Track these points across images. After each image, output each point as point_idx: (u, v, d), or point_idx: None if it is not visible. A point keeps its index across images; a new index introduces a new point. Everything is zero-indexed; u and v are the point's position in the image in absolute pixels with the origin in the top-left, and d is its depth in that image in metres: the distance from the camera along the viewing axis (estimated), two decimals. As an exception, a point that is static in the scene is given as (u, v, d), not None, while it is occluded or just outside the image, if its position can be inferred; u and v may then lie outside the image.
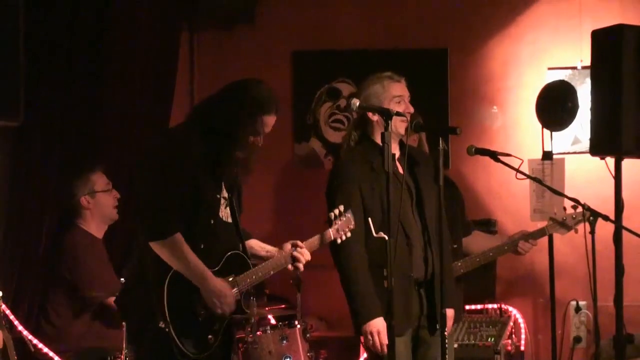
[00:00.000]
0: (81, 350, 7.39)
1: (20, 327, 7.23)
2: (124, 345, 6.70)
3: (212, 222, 6.06)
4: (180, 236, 5.84)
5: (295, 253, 6.26)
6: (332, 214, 6.47)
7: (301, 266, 6.31)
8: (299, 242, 6.29)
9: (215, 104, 6.09)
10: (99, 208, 7.61)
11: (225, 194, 6.19)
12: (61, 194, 7.91)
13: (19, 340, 7.15)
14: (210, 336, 5.91)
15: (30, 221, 7.61)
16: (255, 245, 6.47)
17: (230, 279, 5.99)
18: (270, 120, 6.08)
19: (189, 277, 5.87)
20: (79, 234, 7.72)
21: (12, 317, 7.04)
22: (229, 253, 6.07)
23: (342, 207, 6.48)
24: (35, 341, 7.37)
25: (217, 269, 5.93)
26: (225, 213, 6.21)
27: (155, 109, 8.59)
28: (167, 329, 5.74)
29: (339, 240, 6.48)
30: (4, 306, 6.53)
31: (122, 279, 6.87)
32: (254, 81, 6.22)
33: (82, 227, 7.65)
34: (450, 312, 6.99)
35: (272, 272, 6.36)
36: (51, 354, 7.43)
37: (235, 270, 6.06)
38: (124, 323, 6.53)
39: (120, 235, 8.02)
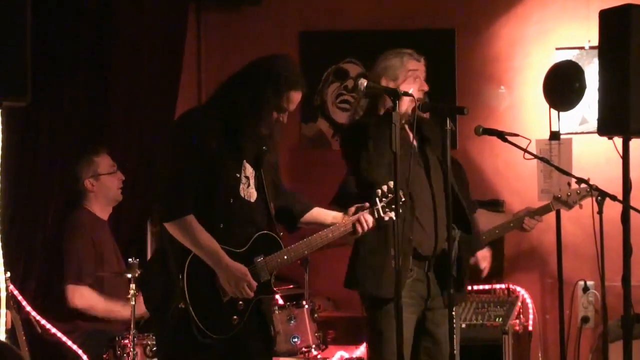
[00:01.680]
0: (89, 330, 7.41)
1: (28, 308, 7.15)
2: (132, 326, 6.65)
3: (231, 201, 6.00)
4: (193, 218, 5.86)
5: (361, 217, 6.19)
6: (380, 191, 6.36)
7: (360, 231, 6.24)
8: (366, 205, 6.25)
9: (241, 79, 6.03)
10: (103, 190, 7.72)
11: (248, 172, 6.12)
12: (67, 176, 7.95)
13: (27, 321, 7.06)
14: (235, 317, 5.87)
15: (38, 201, 7.74)
16: (319, 214, 6.45)
17: (259, 260, 5.96)
18: (296, 97, 5.98)
19: (204, 259, 5.88)
20: (84, 214, 7.80)
21: (20, 297, 6.99)
22: (258, 234, 6.05)
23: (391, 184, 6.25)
24: (43, 322, 7.27)
25: (244, 249, 5.94)
26: (247, 192, 6.14)
27: (163, 89, 8.62)
28: (187, 310, 5.76)
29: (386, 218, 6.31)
30: (11, 287, 6.47)
31: (130, 259, 6.81)
32: (281, 56, 6.22)
33: (87, 208, 7.73)
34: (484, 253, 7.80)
35: (330, 237, 6.27)
36: (59, 334, 7.36)
37: (265, 250, 6.04)
38: (132, 303, 6.58)
39: (128, 216, 8.07)
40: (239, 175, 6.05)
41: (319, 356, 8.01)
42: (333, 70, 8.81)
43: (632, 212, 7.11)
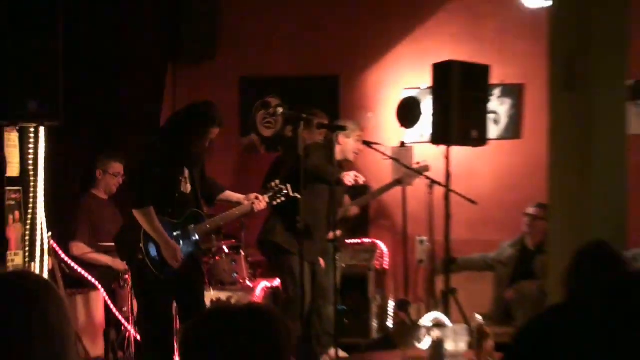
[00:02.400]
0: (102, 269, 7.56)
1: (62, 255, 7.18)
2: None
3: (176, 195, 6.40)
4: (152, 209, 6.22)
5: (255, 203, 6.62)
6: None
7: (257, 210, 6.68)
8: (259, 196, 6.64)
9: (178, 118, 6.56)
10: (104, 183, 7.91)
11: (186, 174, 6.46)
12: (84, 167, 8.15)
13: (60, 264, 7.16)
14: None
15: (66, 191, 7.88)
16: (228, 195, 6.86)
17: (191, 227, 6.46)
18: (215, 131, 6.42)
19: (153, 236, 6.26)
20: (88, 198, 8.02)
21: (57, 248, 6.99)
22: (190, 211, 6.49)
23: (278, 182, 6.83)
24: (72, 264, 7.35)
25: (181, 220, 6.42)
26: (185, 187, 6.48)
27: (149, 124, 8.74)
28: (144, 260, 6.23)
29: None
30: (52, 242, 6.59)
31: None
32: (207, 103, 6.59)
33: (93, 192, 7.96)
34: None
35: (237, 214, 6.81)
36: (82, 271, 7.43)
37: (194, 221, 6.52)
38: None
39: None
40: (180, 178, 6.43)
41: (251, 285, 8.11)
42: (260, 102, 9.08)
43: (451, 193, 7.49)
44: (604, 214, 5.85)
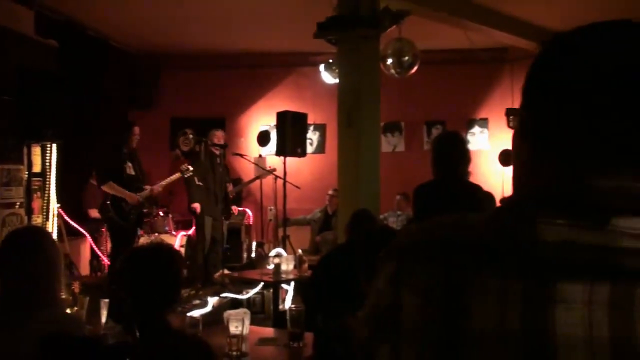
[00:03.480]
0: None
1: (66, 218, 6.93)
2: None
3: (125, 174, 6.37)
4: (112, 182, 6.26)
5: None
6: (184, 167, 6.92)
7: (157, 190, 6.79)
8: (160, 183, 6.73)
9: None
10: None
11: (129, 164, 6.48)
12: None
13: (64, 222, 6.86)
14: (131, 216, 6.39)
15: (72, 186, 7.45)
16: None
17: (138, 194, 6.44)
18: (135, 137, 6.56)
19: (119, 195, 6.27)
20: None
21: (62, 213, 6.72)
22: (137, 184, 6.44)
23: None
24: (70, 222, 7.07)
25: (133, 190, 6.37)
26: (131, 171, 6.49)
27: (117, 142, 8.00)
28: (111, 214, 6.26)
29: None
30: (59, 209, 6.36)
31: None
32: (132, 122, 6.84)
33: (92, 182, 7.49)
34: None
35: (163, 184, 6.86)
36: (77, 227, 7.19)
37: (137, 191, 6.48)
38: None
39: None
40: (124, 166, 6.44)
41: (175, 234, 7.77)
42: (181, 132, 8.93)
43: (287, 182, 7.17)
44: (366, 195, 5.87)
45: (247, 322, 3.15)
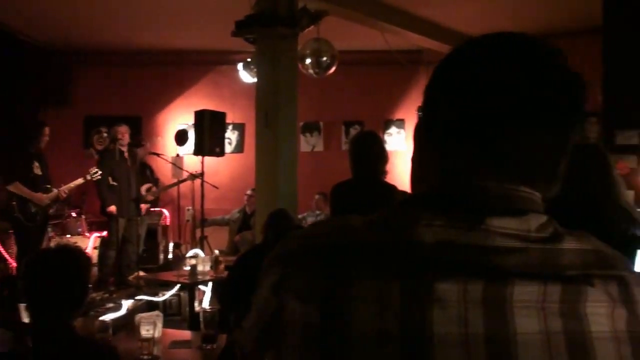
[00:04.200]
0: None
1: None
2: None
3: (31, 175, 6.24)
4: (19, 183, 6.10)
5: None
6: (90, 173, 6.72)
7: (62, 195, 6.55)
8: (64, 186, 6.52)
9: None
10: None
11: (37, 165, 6.32)
12: None
13: None
14: (38, 217, 6.22)
15: None
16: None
17: (45, 195, 6.30)
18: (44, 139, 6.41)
19: (25, 195, 6.11)
20: None
21: None
22: (44, 185, 6.30)
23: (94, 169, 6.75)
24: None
25: (41, 191, 6.24)
26: (38, 171, 6.33)
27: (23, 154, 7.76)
28: (16, 214, 6.09)
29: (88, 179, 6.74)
30: None
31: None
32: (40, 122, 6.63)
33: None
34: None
35: (72, 186, 6.61)
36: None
37: (44, 192, 6.32)
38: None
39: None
40: (32, 166, 6.29)
41: (88, 235, 7.60)
42: (96, 130, 8.70)
43: (206, 184, 7.09)
44: (284, 195, 5.89)
45: (159, 325, 3.07)
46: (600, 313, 0.73)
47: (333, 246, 0.75)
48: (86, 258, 2.25)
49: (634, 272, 0.79)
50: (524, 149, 0.77)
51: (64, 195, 6.65)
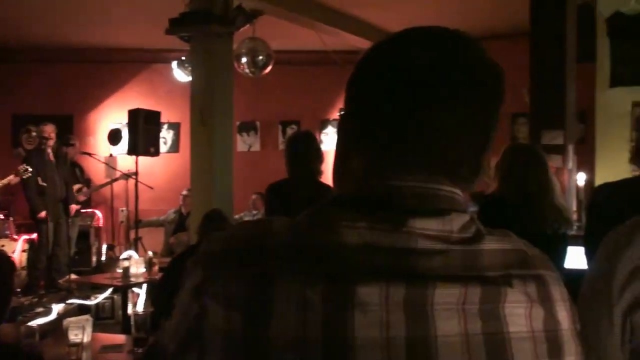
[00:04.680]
0: None
1: None
2: None
3: None
4: None
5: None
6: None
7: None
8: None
9: None
10: None
11: None
12: None
13: None
14: None
15: None
16: None
17: None
18: None
19: None
20: None
21: None
22: None
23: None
24: None
25: None
26: None
27: None
28: None
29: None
30: None
31: None
32: None
33: None
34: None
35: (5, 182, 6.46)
36: None
37: None
38: None
39: None
40: None
41: (17, 237, 7.29)
42: (25, 129, 8.30)
43: (140, 184, 7.00)
44: (220, 195, 5.87)
45: (88, 329, 2.98)
46: (519, 313, 0.74)
47: (254, 249, 0.74)
48: (9, 262, 2.18)
49: (554, 271, 0.80)
50: (445, 143, 0.77)
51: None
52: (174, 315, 0.80)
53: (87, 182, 8.15)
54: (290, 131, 9.28)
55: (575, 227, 3.09)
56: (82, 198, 7.78)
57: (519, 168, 2.95)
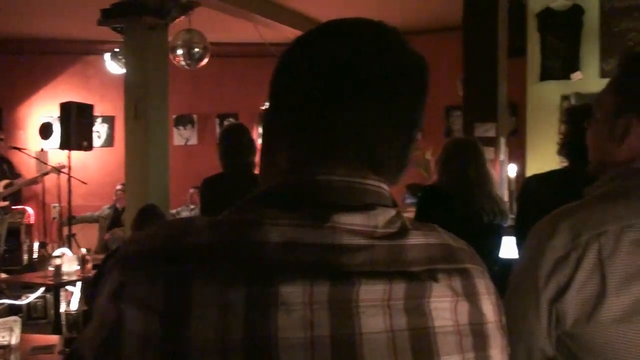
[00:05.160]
0: None
1: None
2: None
3: None
4: None
5: None
6: None
7: None
8: None
9: None
10: None
11: None
12: None
13: None
14: None
15: None
16: None
17: None
18: None
19: None
20: None
21: None
22: None
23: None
24: None
25: None
26: None
27: None
28: None
29: None
30: None
31: None
32: None
33: None
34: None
35: None
36: None
37: None
38: None
39: None
40: None
41: None
42: None
43: (73, 180, 6.80)
44: (156, 189, 5.79)
45: (17, 330, 2.88)
46: (444, 308, 0.73)
47: (174, 249, 0.71)
48: None
49: (480, 265, 0.80)
50: (370, 136, 0.76)
51: None
52: (91, 323, 0.77)
53: (18, 177, 7.87)
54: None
55: (509, 219, 3.17)
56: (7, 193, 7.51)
57: (458, 161, 3.02)
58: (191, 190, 8.36)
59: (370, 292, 0.70)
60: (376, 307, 0.70)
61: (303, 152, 0.77)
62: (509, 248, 3.21)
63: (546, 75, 5.94)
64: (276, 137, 0.81)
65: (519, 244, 2.63)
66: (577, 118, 2.47)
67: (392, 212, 0.77)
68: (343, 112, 0.75)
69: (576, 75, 5.81)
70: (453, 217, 2.66)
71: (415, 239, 0.75)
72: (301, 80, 0.78)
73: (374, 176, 0.77)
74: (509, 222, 3.19)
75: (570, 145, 2.51)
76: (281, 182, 0.77)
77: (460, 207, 2.89)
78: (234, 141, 3.60)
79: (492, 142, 5.11)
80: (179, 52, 6.50)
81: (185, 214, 8.05)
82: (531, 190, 2.72)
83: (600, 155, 1.24)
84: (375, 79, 0.75)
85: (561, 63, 5.87)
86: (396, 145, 0.78)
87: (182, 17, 5.98)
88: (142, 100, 5.80)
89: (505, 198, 5.21)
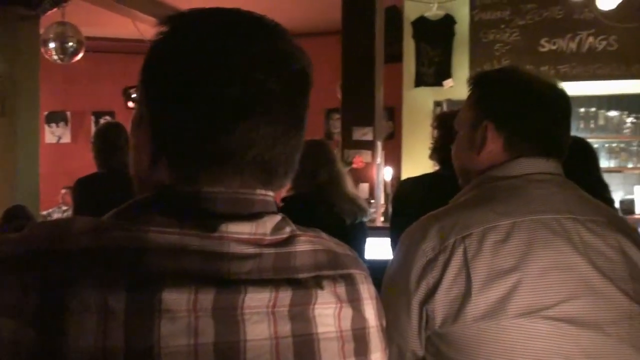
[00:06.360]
0: None
1: None
2: None
3: None
4: None
5: None
6: None
7: None
8: None
9: None
10: None
11: None
12: None
13: None
14: None
15: None
16: None
17: None
18: None
19: None
20: None
21: None
22: None
23: None
24: None
25: None
26: None
27: None
28: None
29: None
30: None
31: None
32: None
33: None
34: None
35: None
36: None
37: None
38: None
39: None
40: None
41: None
42: None
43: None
44: (24, 190, 5.49)
45: None
46: (328, 314, 0.74)
47: (49, 253, 0.67)
48: None
49: (363, 269, 0.82)
50: (258, 146, 0.72)
51: None
52: None
53: None
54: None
55: (370, 214, 3.23)
56: None
57: (308, 163, 3.00)
58: (63, 191, 8.00)
59: (255, 300, 0.70)
60: (261, 314, 0.70)
61: (187, 166, 0.73)
62: (377, 248, 3.29)
63: (420, 81, 6.19)
64: (155, 145, 0.75)
65: (392, 246, 2.69)
66: (447, 124, 2.47)
67: (278, 217, 0.76)
68: (227, 125, 0.71)
69: (447, 83, 6.09)
70: (313, 221, 2.60)
71: (302, 246, 0.76)
72: (175, 89, 0.73)
73: (262, 188, 0.76)
74: (370, 216, 3.23)
75: (440, 150, 2.58)
76: (166, 191, 0.74)
77: (318, 210, 2.88)
78: (109, 140, 3.45)
79: (370, 145, 5.24)
80: (51, 45, 6.23)
81: (57, 215, 7.68)
82: (405, 192, 2.81)
83: (464, 165, 1.33)
84: (261, 85, 0.72)
85: (434, 70, 6.15)
86: (287, 152, 0.76)
87: (55, 9, 5.73)
88: (9, 95, 5.48)
89: (382, 201, 5.36)
